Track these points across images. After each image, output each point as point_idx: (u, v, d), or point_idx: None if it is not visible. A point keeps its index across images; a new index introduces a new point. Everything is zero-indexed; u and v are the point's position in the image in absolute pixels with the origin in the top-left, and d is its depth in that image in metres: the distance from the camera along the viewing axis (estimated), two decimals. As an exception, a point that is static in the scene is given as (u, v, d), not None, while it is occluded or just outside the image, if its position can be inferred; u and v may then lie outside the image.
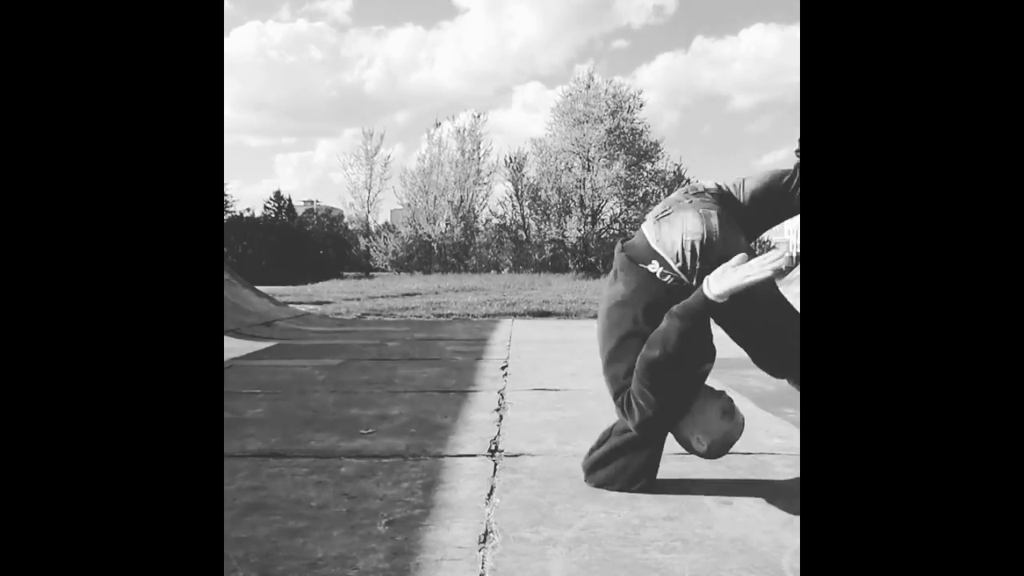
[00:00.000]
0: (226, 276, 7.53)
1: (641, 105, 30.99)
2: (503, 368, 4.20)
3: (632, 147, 30.26)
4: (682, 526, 1.65)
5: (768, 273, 1.58)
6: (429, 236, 32.63)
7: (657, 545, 1.54)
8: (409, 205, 33.63)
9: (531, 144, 32.07)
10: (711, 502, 1.81)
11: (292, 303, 10.25)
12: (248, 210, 35.80)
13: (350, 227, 39.02)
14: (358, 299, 11.79)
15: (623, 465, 1.90)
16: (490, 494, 1.88)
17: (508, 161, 32.99)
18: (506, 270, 30.58)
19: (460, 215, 32.45)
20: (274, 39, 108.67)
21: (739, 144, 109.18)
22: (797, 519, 1.66)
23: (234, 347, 5.11)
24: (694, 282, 1.77)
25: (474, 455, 2.27)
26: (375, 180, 36.78)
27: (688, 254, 1.77)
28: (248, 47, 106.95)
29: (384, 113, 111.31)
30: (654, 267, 1.81)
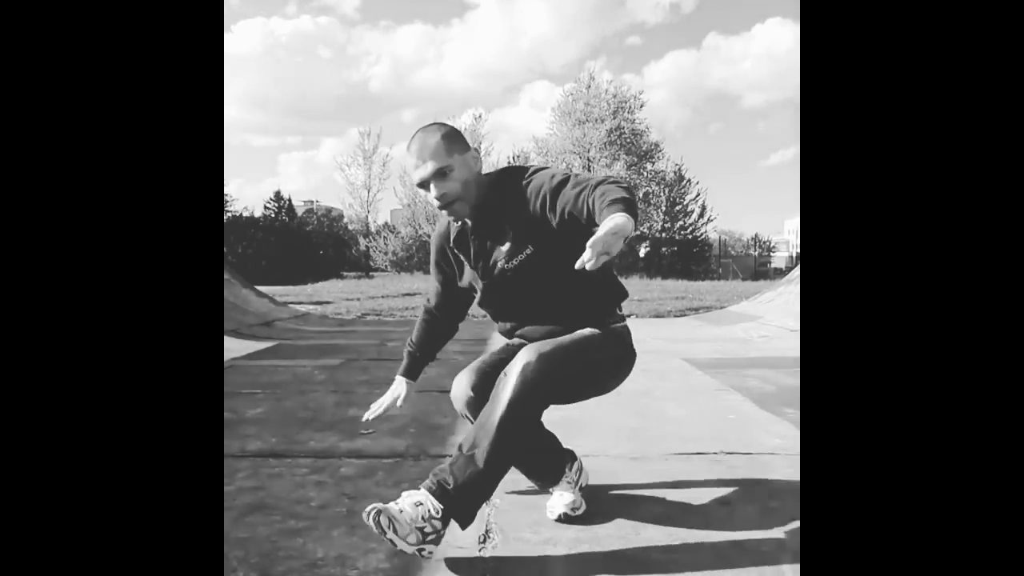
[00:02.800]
0: (226, 276, 7.53)
1: (642, 105, 31.03)
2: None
3: (633, 147, 30.29)
4: (682, 526, 1.65)
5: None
6: (429, 236, 32.61)
7: (657, 545, 1.54)
8: (409, 205, 33.64)
9: (532, 144, 32.08)
10: (711, 502, 1.81)
11: (292, 303, 10.25)
12: (245, 208, 35.80)
13: (350, 227, 39.04)
14: (358, 299, 11.79)
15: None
16: (490, 494, 1.88)
17: (511, 161, 32.98)
18: (506, 271, 30.52)
19: (460, 215, 32.38)
20: (280, 38, 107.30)
21: (748, 143, 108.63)
22: (797, 519, 1.66)
23: (234, 347, 5.11)
24: None
25: (474, 455, 2.27)
26: (374, 180, 36.78)
27: None
28: (253, 44, 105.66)
29: (391, 111, 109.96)
30: None
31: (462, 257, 1.79)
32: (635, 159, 30.32)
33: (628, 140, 30.26)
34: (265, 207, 36.55)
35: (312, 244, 31.74)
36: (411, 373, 1.97)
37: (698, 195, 31.47)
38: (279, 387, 3.55)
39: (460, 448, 1.53)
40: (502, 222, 1.68)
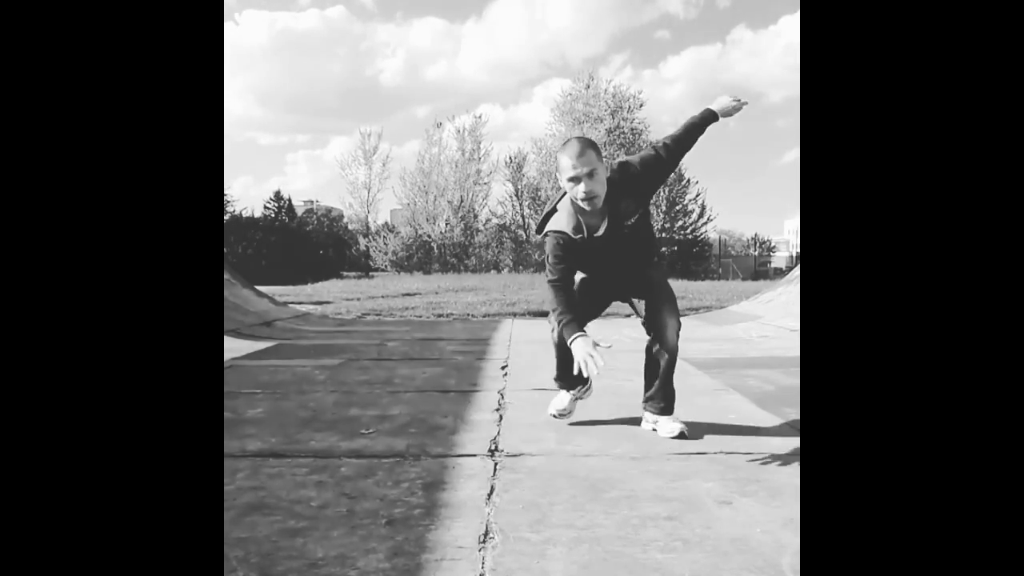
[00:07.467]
0: (226, 276, 7.53)
1: (641, 105, 31.03)
2: (503, 368, 4.19)
3: (632, 147, 30.27)
4: (682, 526, 1.65)
5: (583, 369, 2.29)
6: (429, 236, 32.65)
7: (657, 545, 1.54)
8: (409, 205, 33.66)
9: (531, 144, 32.11)
10: (711, 502, 1.81)
11: (292, 303, 10.25)
12: (245, 208, 35.74)
13: (350, 227, 39.04)
14: (358, 299, 11.79)
15: None
16: (490, 494, 1.88)
17: (508, 161, 33.05)
18: (506, 270, 30.57)
19: (460, 215, 32.47)
20: (289, 35, 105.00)
21: (764, 140, 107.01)
22: (797, 519, 1.66)
23: (234, 347, 5.11)
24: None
25: (474, 455, 2.27)
26: (375, 180, 36.83)
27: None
28: (260, 37, 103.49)
29: (404, 107, 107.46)
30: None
31: (590, 243, 2.46)
32: (635, 159, 30.27)
33: (628, 139, 30.24)
34: (265, 207, 36.55)
35: (312, 244, 31.69)
36: (580, 328, 2.42)
37: (698, 195, 31.46)
38: (279, 387, 3.55)
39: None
40: (626, 197, 2.44)
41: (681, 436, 2.46)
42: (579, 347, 2.33)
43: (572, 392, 2.77)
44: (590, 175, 2.29)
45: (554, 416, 2.75)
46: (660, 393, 2.58)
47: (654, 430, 2.58)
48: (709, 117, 2.64)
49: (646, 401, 2.63)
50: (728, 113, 2.66)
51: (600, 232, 2.45)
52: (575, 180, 2.31)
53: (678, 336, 2.54)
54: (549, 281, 2.52)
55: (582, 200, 2.33)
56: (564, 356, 2.63)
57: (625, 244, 2.51)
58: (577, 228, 2.44)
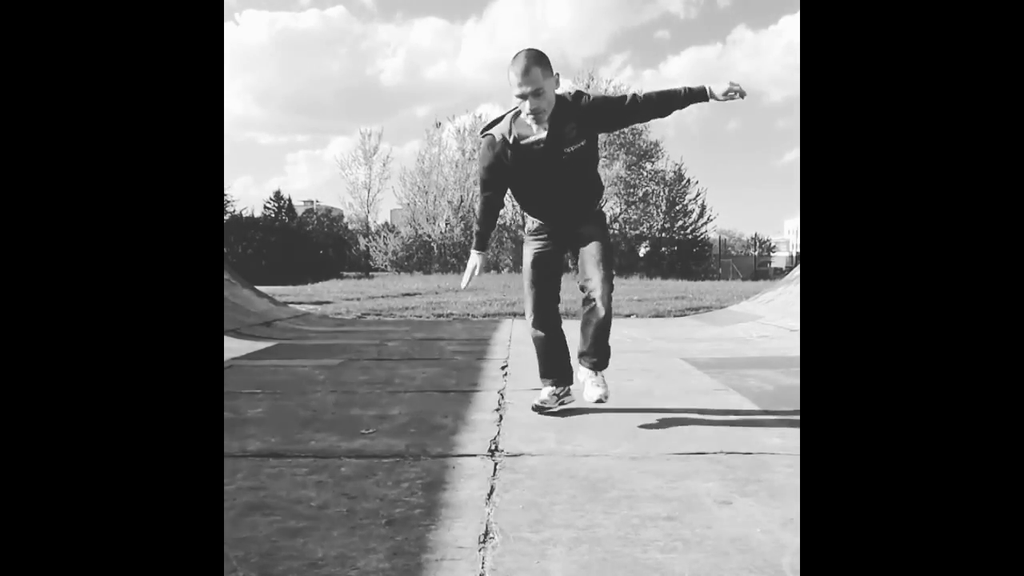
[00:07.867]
0: (226, 276, 7.53)
1: (641, 105, 30.92)
2: (503, 368, 4.19)
3: (632, 147, 30.26)
4: (682, 526, 1.65)
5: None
6: (429, 236, 32.64)
7: (657, 545, 1.54)
8: (409, 205, 33.65)
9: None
10: (711, 502, 1.81)
11: (292, 303, 10.25)
12: (245, 208, 35.77)
13: (350, 227, 39.04)
14: (358, 299, 11.78)
15: None
16: (490, 494, 1.88)
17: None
18: (506, 270, 30.55)
19: (460, 215, 32.45)
20: (289, 35, 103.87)
21: (764, 140, 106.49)
22: (797, 519, 1.66)
23: (234, 347, 5.10)
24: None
25: (474, 455, 2.27)
26: (375, 180, 36.87)
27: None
28: (262, 39, 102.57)
29: (404, 107, 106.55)
30: None
31: (520, 153, 2.57)
32: (635, 158, 30.28)
33: (628, 139, 30.23)
34: (265, 207, 36.53)
35: (312, 244, 31.67)
36: (482, 246, 2.79)
37: (698, 195, 31.45)
38: (279, 387, 3.55)
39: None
40: (572, 122, 2.54)
41: (600, 402, 2.67)
42: (469, 262, 2.79)
43: (555, 389, 2.90)
44: (535, 93, 2.43)
45: (535, 408, 2.88)
46: (593, 349, 2.72)
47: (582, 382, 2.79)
48: (699, 94, 2.54)
49: (580, 356, 2.78)
50: (721, 97, 2.51)
51: (533, 139, 2.55)
52: (522, 97, 2.44)
53: (611, 295, 2.65)
54: (479, 195, 2.76)
55: (528, 115, 2.49)
56: (544, 353, 2.88)
57: (562, 172, 2.59)
58: (510, 133, 2.58)
